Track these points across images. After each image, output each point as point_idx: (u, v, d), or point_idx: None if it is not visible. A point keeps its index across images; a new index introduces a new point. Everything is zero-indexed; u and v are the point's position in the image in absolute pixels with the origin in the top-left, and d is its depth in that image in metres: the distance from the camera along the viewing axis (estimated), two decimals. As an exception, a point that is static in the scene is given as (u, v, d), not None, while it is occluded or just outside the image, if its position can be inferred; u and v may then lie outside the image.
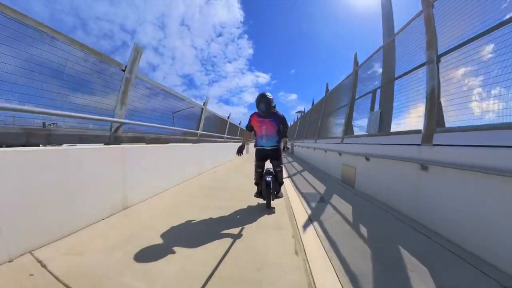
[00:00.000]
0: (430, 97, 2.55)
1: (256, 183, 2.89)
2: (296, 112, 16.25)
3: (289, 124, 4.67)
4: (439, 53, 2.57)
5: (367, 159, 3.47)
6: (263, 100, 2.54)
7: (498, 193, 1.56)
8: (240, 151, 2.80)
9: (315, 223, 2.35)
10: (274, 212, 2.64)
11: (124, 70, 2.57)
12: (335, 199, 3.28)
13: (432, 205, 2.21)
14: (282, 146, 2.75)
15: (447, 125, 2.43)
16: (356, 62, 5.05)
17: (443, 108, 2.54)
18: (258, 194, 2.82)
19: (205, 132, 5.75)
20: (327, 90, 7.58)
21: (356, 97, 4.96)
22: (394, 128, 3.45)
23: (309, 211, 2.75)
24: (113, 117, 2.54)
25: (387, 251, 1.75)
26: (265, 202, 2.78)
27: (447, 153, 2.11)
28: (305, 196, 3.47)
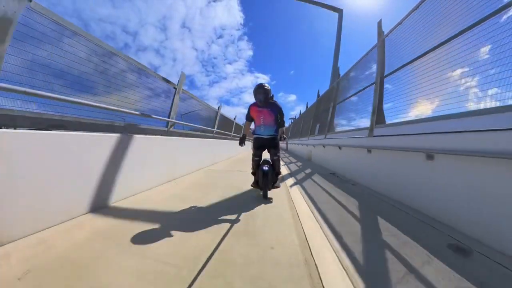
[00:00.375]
0: (374, 105, 3.82)
1: (253, 173, 2.85)
2: (290, 118, 21.23)
3: (286, 125, 6.04)
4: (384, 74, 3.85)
5: (324, 146, 4.89)
6: (260, 91, 2.54)
7: (406, 160, 2.58)
8: (242, 141, 2.83)
9: (294, 177, 3.66)
10: (271, 203, 2.52)
11: (176, 88, 3.87)
12: (303, 164, 4.62)
13: (374, 172, 3.40)
14: (279, 135, 2.75)
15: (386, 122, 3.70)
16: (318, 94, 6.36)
17: (384, 112, 3.82)
18: (255, 184, 2.80)
19: (219, 130, 7.05)
20: (306, 106, 11.57)
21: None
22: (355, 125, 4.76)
23: (290, 171, 4.06)
24: (168, 118, 3.82)
25: (333, 192, 3.04)
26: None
27: (382, 140, 3.22)
28: (288, 165, 5.00)
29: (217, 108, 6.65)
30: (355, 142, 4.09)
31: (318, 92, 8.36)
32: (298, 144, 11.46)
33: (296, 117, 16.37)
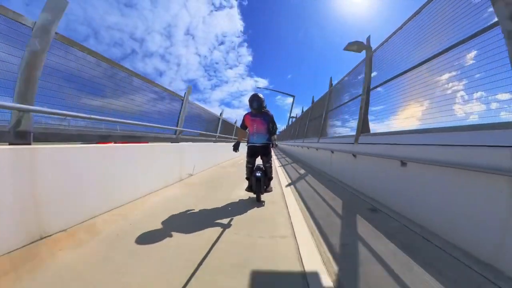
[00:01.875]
0: (360, 115, 4.16)
1: (247, 178, 2.92)
2: (291, 117, 21.06)
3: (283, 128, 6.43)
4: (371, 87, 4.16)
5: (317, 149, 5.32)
6: (255, 99, 2.68)
7: (383, 165, 2.88)
8: (236, 148, 2.96)
9: (283, 169, 4.06)
10: (263, 206, 2.68)
11: (183, 100, 4.29)
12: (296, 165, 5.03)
13: (356, 173, 3.75)
14: (271, 143, 2.85)
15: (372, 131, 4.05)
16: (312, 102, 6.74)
17: (369, 121, 4.13)
18: (249, 189, 2.88)
19: (221, 135, 7.48)
20: (302, 110, 12.14)
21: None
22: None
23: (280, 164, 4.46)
24: (176, 127, 4.25)
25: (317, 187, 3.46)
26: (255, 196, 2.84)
27: (366, 148, 3.52)
28: (280, 160, 5.37)
29: (219, 114, 7.09)
30: (343, 147, 4.38)
31: (313, 98, 8.73)
32: (292, 145, 12.05)
33: (298, 116, 17.02)
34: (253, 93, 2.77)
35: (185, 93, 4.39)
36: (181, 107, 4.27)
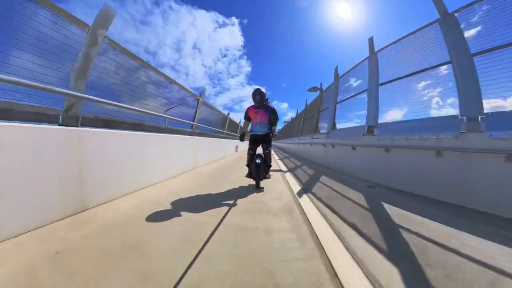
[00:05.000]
0: (331, 117, 4.58)
1: (247, 165, 2.93)
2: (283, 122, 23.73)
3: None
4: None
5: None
6: (258, 93, 2.75)
7: (345, 149, 3.56)
8: (242, 138, 2.99)
9: (281, 161, 4.34)
10: (262, 191, 2.65)
11: (198, 99, 4.53)
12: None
13: (329, 158, 4.21)
14: (271, 133, 2.86)
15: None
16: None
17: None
18: (249, 175, 2.89)
19: (228, 132, 7.72)
20: (297, 112, 12.33)
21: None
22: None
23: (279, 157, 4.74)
24: (193, 121, 4.47)
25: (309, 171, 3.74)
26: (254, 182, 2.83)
27: (333, 139, 4.14)
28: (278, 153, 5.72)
29: (226, 114, 7.38)
30: (321, 141, 5.11)
31: (306, 101, 9.08)
32: (288, 143, 13.00)
33: (290, 119, 17.64)
34: (256, 88, 2.79)
35: (201, 93, 4.68)
36: (197, 105, 4.52)
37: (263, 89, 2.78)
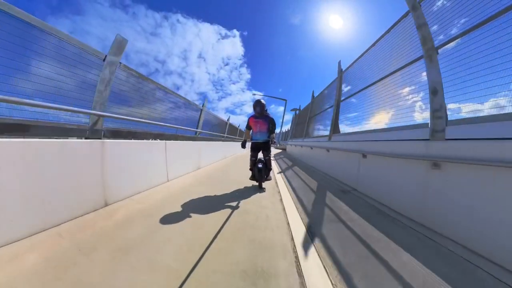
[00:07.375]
0: (332, 121, 4.76)
1: (250, 169, 3.08)
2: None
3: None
4: (342, 99, 4.80)
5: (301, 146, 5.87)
6: (258, 104, 2.86)
7: (341, 155, 3.82)
8: (243, 145, 3.10)
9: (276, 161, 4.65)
10: (265, 191, 2.80)
11: (201, 109, 4.90)
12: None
13: (332, 161, 4.36)
14: (270, 140, 2.96)
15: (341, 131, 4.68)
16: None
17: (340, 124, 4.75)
18: (252, 178, 3.03)
19: (228, 135, 8.07)
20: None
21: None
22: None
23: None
24: (196, 128, 4.84)
25: (301, 168, 4.04)
26: (257, 184, 3.01)
27: (336, 143, 4.21)
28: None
29: (226, 119, 7.75)
30: (320, 144, 5.02)
31: (300, 106, 9.34)
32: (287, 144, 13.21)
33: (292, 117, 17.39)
34: (256, 99, 2.92)
35: (203, 104, 5.08)
36: (200, 114, 4.90)
37: (263, 101, 2.90)
